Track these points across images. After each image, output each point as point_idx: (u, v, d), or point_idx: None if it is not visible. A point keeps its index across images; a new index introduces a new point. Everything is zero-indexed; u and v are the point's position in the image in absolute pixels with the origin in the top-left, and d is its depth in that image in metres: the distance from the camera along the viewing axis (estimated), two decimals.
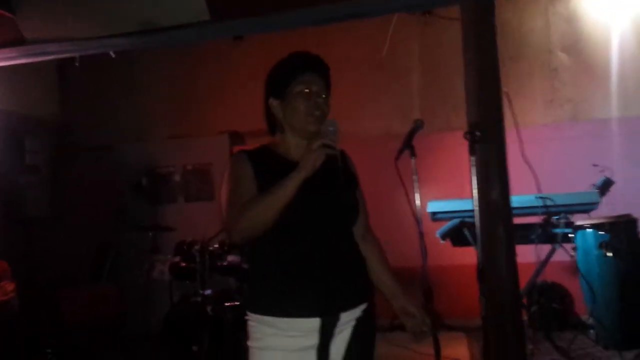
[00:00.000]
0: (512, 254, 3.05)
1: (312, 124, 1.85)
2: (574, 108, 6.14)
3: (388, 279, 1.99)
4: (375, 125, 6.45)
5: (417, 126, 3.37)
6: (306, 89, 1.86)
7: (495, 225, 3.05)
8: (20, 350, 4.40)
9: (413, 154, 3.27)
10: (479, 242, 2.51)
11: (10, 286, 4.44)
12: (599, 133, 5.81)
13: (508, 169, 3.21)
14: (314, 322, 1.77)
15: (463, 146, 5.96)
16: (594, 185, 4.83)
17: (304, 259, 1.78)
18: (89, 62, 4.71)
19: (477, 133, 2.53)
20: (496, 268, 2.98)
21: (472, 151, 2.54)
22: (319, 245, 1.80)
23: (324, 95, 1.89)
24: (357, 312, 1.84)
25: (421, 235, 3.38)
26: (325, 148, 1.70)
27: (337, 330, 1.81)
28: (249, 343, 1.84)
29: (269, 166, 1.85)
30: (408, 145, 3.27)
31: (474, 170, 2.52)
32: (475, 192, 2.49)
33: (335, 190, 1.84)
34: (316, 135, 1.78)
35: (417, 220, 3.38)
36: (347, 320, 1.83)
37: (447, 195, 5.29)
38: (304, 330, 1.77)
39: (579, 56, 6.09)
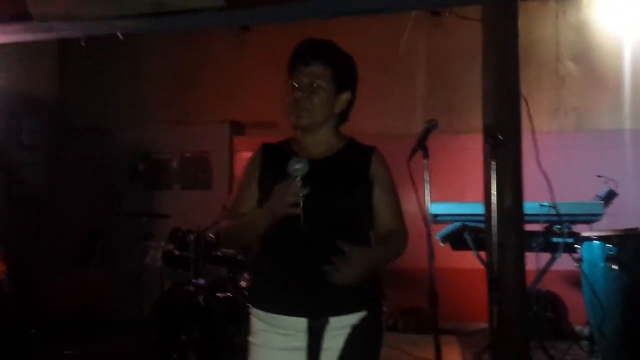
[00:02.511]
0: (522, 263, 3.00)
1: (296, 118, 1.84)
2: (579, 118, 6.12)
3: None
4: (379, 125, 6.38)
5: (431, 126, 3.31)
6: (294, 83, 1.85)
7: (507, 233, 2.98)
8: (5, 330, 4.29)
9: (426, 154, 3.20)
10: (493, 249, 2.44)
11: (1, 267, 4.33)
12: (603, 144, 5.79)
13: (522, 176, 3.15)
14: (301, 322, 1.76)
15: (465, 150, 6.01)
16: (597, 196, 4.81)
17: (292, 257, 1.78)
18: (91, 44, 4.60)
19: (500, 137, 2.44)
20: (506, 276, 2.92)
21: (493, 155, 2.45)
22: (309, 245, 1.76)
23: (315, 85, 1.82)
24: (351, 319, 1.78)
25: (429, 238, 3.34)
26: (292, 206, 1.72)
27: (327, 334, 1.76)
28: (249, 337, 1.88)
29: (280, 163, 1.83)
30: (421, 145, 3.22)
31: (493, 175, 2.44)
32: (494, 198, 2.41)
33: (331, 190, 1.79)
34: (305, 130, 1.86)
35: (427, 223, 3.33)
36: (340, 326, 1.78)
37: (447, 198, 5.25)
38: (291, 329, 1.77)
39: (587, 66, 6.06)
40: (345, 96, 1.89)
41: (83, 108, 6.70)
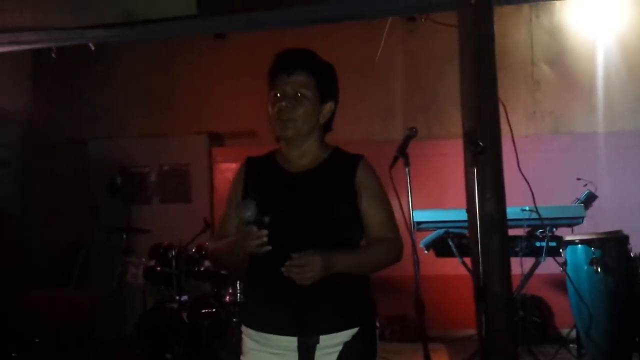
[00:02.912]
0: (507, 268, 2.99)
1: (281, 129, 1.80)
2: (555, 121, 6.16)
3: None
4: (356, 130, 6.36)
5: (412, 134, 3.30)
6: (276, 93, 1.81)
7: (490, 239, 2.97)
8: None
9: (407, 162, 3.21)
10: (479, 257, 2.42)
11: None
12: (581, 146, 5.84)
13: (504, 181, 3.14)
14: (291, 341, 1.73)
15: (444, 156, 6.02)
16: (577, 199, 4.83)
17: (280, 275, 1.71)
18: (63, 54, 4.51)
19: (481, 143, 2.43)
20: (491, 283, 2.90)
21: (474, 162, 2.44)
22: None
23: (299, 94, 1.79)
24: (342, 336, 1.74)
25: (414, 246, 3.31)
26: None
27: (318, 353, 1.73)
28: (241, 357, 1.86)
29: (264, 177, 1.85)
30: (402, 153, 3.21)
31: (475, 183, 2.42)
32: (477, 205, 2.39)
33: (315, 203, 1.76)
34: (290, 142, 1.82)
35: (411, 231, 3.31)
36: (331, 344, 1.74)
37: (427, 204, 5.23)
38: (281, 348, 1.75)
39: (562, 69, 6.11)
40: (329, 105, 1.86)
41: (57, 120, 6.56)
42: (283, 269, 1.66)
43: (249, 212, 1.67)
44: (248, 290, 1.97)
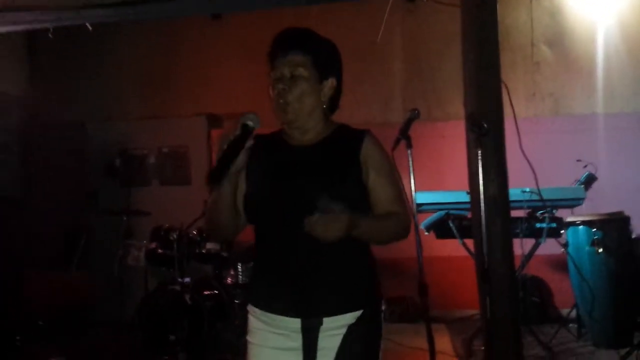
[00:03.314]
0: (509, 250, 3.01)
1: (281, 114, 1.77)
2: (555, 102, 6.16)
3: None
4: (356, 114, 6.32)
5: (414, 116, 3.30)
6: (274, 75, 1.78)
7: (493, 220, 2.98)
8: None
9: (409, 144, 3.21)
10: (484, 240, 2.43)
11: None
12: (580, 128, 5.84)
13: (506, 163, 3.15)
14: (295, 322, 1.73)
15: (444, 137, 6.02)
16: (577, 180, 4.85)
17: (285, 254, 1.73)
18: (61, 36, 4.45)
19: (485, 125, 2.43)
20: (494, 264, 2.92)
21: (477, 144, 2.44)
22: (297, 241, 1.69)
23: (295, 75, 1.76)
24: (347, 318, 1.73)
25: (417, 229, 3.33)
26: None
27: (322, 335, 1.72)
28: (247, 336, 1.84)
29: (268, 153, 1.83)
30: (404, 135, 3.21)
31: (478, 165, 2.42)
32: (481, 187, 2.40)
33: (319, 179, 1.72)
34: (292, 124, 1.80)
35: (414, 214, 3.32)
36: (335, 326, 1.72)
37: (427, 186, 5.23)
38: (286, 329, 1.74)
39: (562, 50, 6.09)
40: (329, 82, 1.82)
41: (55, 103, 6.51)
42: (305, 222, 1.59)
43: (252, 121, 1.69)
44: (255, 270, 1.91)
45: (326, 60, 1.82)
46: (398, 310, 5.52)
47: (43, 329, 4.61)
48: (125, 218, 5.07)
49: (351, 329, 1.72)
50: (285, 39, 1.81)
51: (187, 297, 4.41)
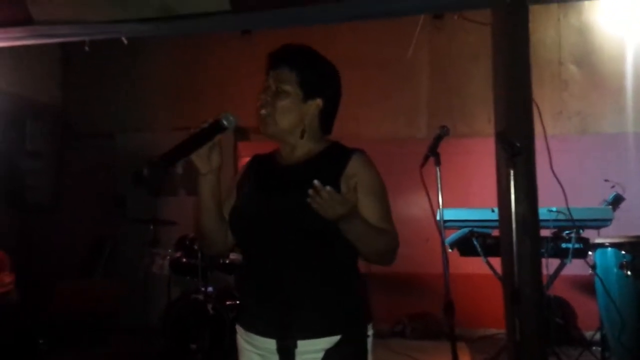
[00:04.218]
0: (538, 270, 2.98)
1: (260, 125, 1.78)
2: (582, 121, 6.10)
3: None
4: (381, 128, 6.37)
5: (443, 133, 3.31)
6: (262, 87, 1.79)
7: (522, 240, 2.96)
8: (13, 340, 4.25)
9: (438, 162, 3.21)
10: (515, 260, 2.41)
11: (8, 277, 4.29)
12: (608, 147, 5.77)
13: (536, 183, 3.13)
14: (271, 344, 1.69)
15: (468, 154, 6.00)
16: (604, 200, 4.79)
17: (262, 274, 1.71)
18: (94, 47, 4.54)
19: (518, 144, 2.42)
20: (522, 285, 2.89)
21: (510, 164, 2.43)
22: (277, 260, 1.68)
23: (279, 89, 1.75)
24: (323, 342, 1.66)
25: (443, 245, 3.32)
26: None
27: (299, 358, 1.67)
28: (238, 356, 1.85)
29: (261, 172, 1.85)
30: (433, 152, 3.21)
31: (510, 184, 2.42)
32: (512, 208, 2.39)
33: (299, 197, 1.58)
34: (269, 136, 1.79)
35: (441, 231, 3.32)
36: (312, 350, 1.66)
37: (451, 202, 5.21)
38: (264, 350, 1.71)
39: (590, 68, 6.05)
40: (315, 103, 1.78)
41: (86, 113, 6.64)
42: (310, 192, 1.51)
43: (228, 120, 1.69)
44: (239, 288, 1.93)
45: (315, 80, 1.79)
46: (419, 326, 5.49)
47: (67, 334, 4.66)
48: (152, 227, 5.13)
49: (328, 354, 1.66)
50: (278, 54, 1.81)
51: (209, 306, 4.43)
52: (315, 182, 1.51)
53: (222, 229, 1.80)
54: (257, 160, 1.91)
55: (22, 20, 4.08)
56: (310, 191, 1.51)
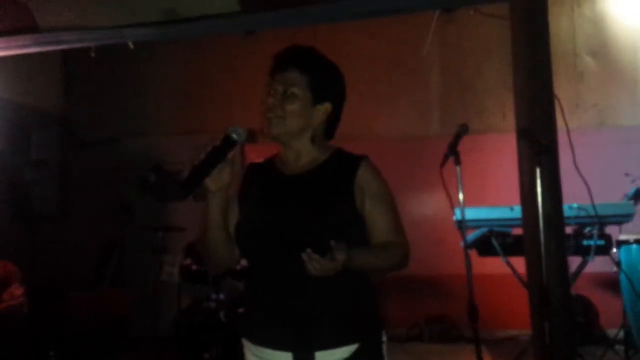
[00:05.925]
0: (564, 270, 2.85)
1: (267, 127, 1.72)
2: (600, 114, 5.95)
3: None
4: (392, 126, 6.24)
5: (462, 131, 3.21)
6: (270, 90, 1.73)
7: (548, 240, 2.83)
8: (24, 353, 4.19)
9: (458, 161, 3.10)
10: (543, 261, 2.29)
11: (19, 290, 4.24)
12: (627, 140, 5.62)
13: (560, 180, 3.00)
14: (287, 357, 1.65)
15: (483, 151, 5.85)
16: (626, 195, 4.66)
17: (273, 287, 1.67)
18: (97, 53, 4.46)
19: (543, 142, 2.30)
20: (549, 285, 2.77)
21: (535, 162, 2.31)
22: (287, 273, 1.62)
23: (289, 92, 1.70)
24: (341, 352, 1.64)
25: (466, 248, 3.20)
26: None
27: None
28: None
29: (260, 182, 1.79)
30: (453, 151, 3.10)
31: (537, 183, 2.29)
32: (539, 206, 2.26)
33: (310, 208, 1.63)
34: (279, 140, 1.75)
35: (463, 232, 3.20)
36: None
37: (467, 202, 5.10)
38: None
39: (606, 60, 5.90)
40: (323, 107, 1.74)
41: (91, 119, 6.57)
42: (304, 257, 1.49)
43: (237, 133, 1.63)
44: (248, 301, 1.83)
45: (324, 84, 1.75)
46: (437, 330, 5.36)
47: (77, 346, 4.59)
48: (160, 234, 5.04)
49: None
50: (286, 56, 1.75)
51: (221, 314, 4.35)
52: (306, 253, 1.49)
53: (230, 245, 1.74)
54: (254, 169, 1.84)
55: (28, 28, 4.02)
56: (305, 257, 1.49)
